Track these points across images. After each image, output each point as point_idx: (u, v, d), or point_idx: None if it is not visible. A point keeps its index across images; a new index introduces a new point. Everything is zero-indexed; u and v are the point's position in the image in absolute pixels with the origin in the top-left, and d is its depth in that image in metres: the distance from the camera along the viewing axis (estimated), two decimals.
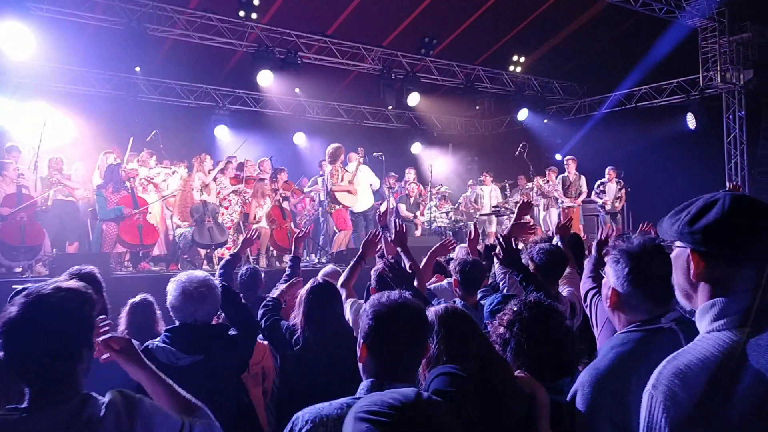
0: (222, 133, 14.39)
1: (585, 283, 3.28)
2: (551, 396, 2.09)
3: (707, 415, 1.25)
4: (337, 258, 9.70)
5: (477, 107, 16.71)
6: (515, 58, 15.90)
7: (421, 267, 4.30)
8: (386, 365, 1.88)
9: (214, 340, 3.13)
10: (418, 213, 12.70)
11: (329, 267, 5.86)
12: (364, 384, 1.88)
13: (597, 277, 3.18)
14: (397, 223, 4.77)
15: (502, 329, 2.25)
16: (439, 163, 16.01)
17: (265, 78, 12.34)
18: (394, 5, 13.34)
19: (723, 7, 13.25)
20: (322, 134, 15.01)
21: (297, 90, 13.94)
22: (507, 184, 13.85)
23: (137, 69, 11.86)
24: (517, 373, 2.18)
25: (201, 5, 12.01)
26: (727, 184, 9.87)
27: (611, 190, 12.72)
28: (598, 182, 12.87)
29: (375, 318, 1.90)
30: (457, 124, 18.71)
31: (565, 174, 12.97)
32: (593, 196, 12.89)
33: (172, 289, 3.12)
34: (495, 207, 13.17)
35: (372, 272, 4.03)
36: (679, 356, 1.36)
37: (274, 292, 4.12)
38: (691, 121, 13.72)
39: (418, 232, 12.43)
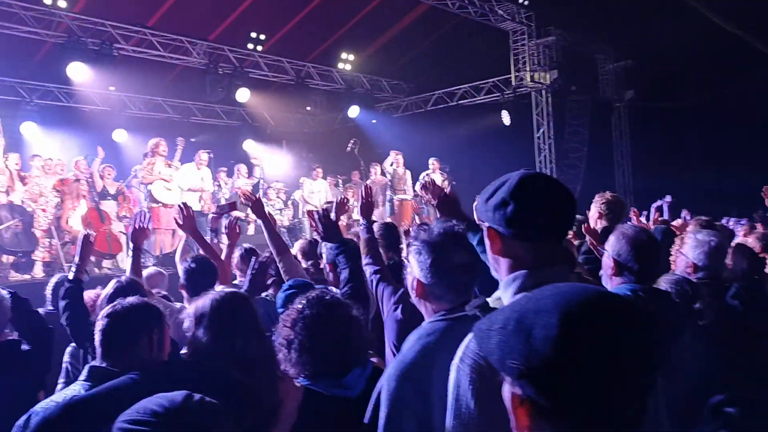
0: (30, 130, 13.08)
1: (366, 267, 3.29)
2: (339, 391, 2.13)
3: None
4: (164, 261, 9.21)
5: (308, 108, 16.73)
6: (345, 56, 16.13)
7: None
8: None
9: (4, 358, 2.83)
10: (249, 211, 12.44)
11: (152, 269, 5.53)
12: None
13: (378, 260, 3.26)
14: (228, 222, 4.64)
15: (286, 330, 2.25)
16: (272, 161, 15.82)
17: (78, 71, 11.39)
18: None
19: (530, 12, 14.41)
20: (145, 131, 14.17)
21: (112, 88, 13.08)
22: (340, 180, 14.01)
23: None
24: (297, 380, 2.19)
25: None
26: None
27: (436, 181, 13.30)
28: (424, 174, 13.38)
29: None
30: (290, 120, 18.59)
31: (394, 168, 13.35)
32: (418, 189, 13.38)
33: None
34: (329, 203, 13.27)
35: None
36: None
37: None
38: (505, 118, 14.77)
39: (251, 230, 12.19)
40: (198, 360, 2.27)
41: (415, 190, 13.23)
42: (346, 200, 4.37)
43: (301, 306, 2.29)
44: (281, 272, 3.76)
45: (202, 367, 2.22)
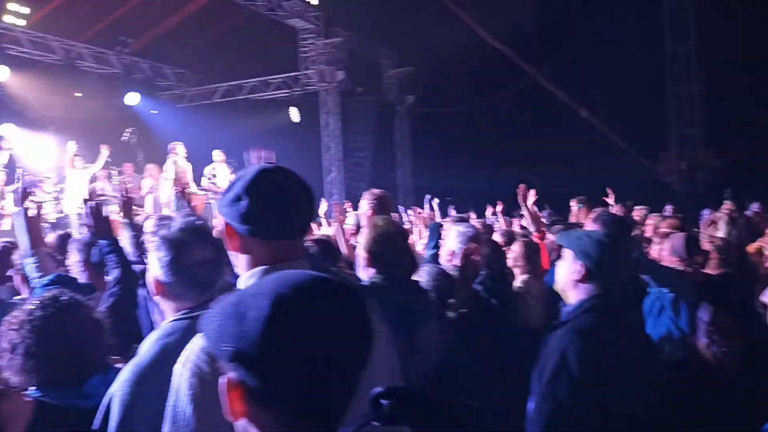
0: None
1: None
2: (76, 402, 1.96)
3: None
4: None
5: (76, 94, 15.28)
6: (124, 38, 14.99)
7: None
8: None
9: None
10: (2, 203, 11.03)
11: None
12: None
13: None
14: None
15: (11, 333, 2.02)
16: (35, 148, 14.18)
17: None
18: None
19: (319, 11, 14.63)
20: None
21: None
22: (110, 172, 12.92)
23: None
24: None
25: None
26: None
27: (223, 174, 12.83)
28: (210, 167, 12.86)
29: None
30: (58, 105, 16.82)
31: (175, 159, 12.63)
32: (207, 184, 12.87)
33: None
34: (100, 196, 12.21)
35: None
36: None
37: None
38: (294, 115, 14.84)
39: (6, 225, 10.81)
40: None
41: (200, 185, 12.69)
42: (130, 198, 3.98)
43: (31, 307, 2.05)
44: (32, 269, 3.43)
45: None
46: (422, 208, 9.99)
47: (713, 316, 3.17)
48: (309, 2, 14.32)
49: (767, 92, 15.00)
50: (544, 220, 7.07)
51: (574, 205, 7.25)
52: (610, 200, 5.90)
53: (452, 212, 9.14)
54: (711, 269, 3.65)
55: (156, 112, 15.60)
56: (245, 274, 1.49)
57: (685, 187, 15.48)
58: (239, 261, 1.52)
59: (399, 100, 18.24)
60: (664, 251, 3.77)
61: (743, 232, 4.89)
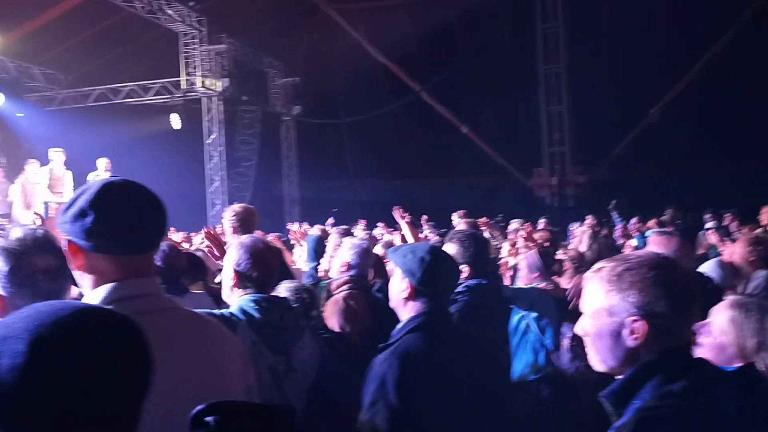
0: None
1: None
2: None
3: None
4: None
5: None
6: None
7: None
8: None
9: None
10: None
11: None
12: None
13: None
14: None
15: None
16: None
17: None
18: None
19: (202, 16, 14.28)
20: None
21: None
22: None
23: None
24: None
25: None
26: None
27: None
28: (92, 174, 12.15)
29: None
30: None
31: (51, 167, 11.85)
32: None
33: None
34: None
35: None
36: None
37: None
38: (175, 122, 14.35)
39: None
40: None
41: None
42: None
43: None
44: None
45: None
46: (309, 220, 10.02)
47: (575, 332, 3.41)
48: (192, 6, 13.92)
49: (630, 114, 16.34)
50: (431, 233, 7.32)
51: (455, 218, 7.52)
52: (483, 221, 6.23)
53: (330, 224, 9.22)
54: (565, 281, 3.89)
55: (22, 114, 14.52)
56: (91, 293, 1.43)
57: (555, 201, 16.48)
58: (84, 280, 1.43)
59: (285, 111, 18.13)
60: (521, 270, 4.01)
61: (603, 246, 5.28)
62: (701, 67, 15.43)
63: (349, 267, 3.34)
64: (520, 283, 4.09)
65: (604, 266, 1.37)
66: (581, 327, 1.41)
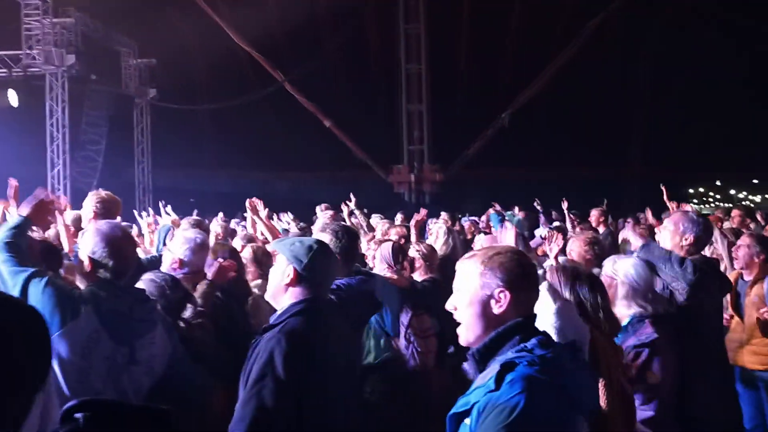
0: None
1: None
2: None
3: None
4: None
5: None
6: None
7: None
8: None
9: None
10: None
11: None
12: None
13: None
14: None
15: None
16: None
17: None
18: None
19: None
20: None
21: None
22: None
23: None
24: None
25: None
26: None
27: None
28: None
29: None
30: None
31: None
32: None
33: None
34: None
35: None
36: None
37: None
38: (12, 98, 13.11)
39: None
40: None
41: None
42: None
43: None
44: None
45: None
46: (157, 210, 9.58)
47: (411, 319, 3.58)
48: None
49: (486, 116, 17.24)
50: (292, 225, 7.24)
51: (318, 211, 7.51)
52: (351, 205, 6.29)
53: (166, 210, 8.89)
54: (418, 275, 4.03)
55: None
56: None
57: (413, 197, 17.02)
58: None
59: (139, 93, 17.15)
60: (375, 259, 4.11)
61: (458, 241, 5.53)
62: (549, 77, 16.57)
63: (182, 264, 3.06)
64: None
65: (477, 252, 1.66)
66: (452, 303, 1.65)
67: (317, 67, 17.53)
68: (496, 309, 1.55)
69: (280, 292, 2.16)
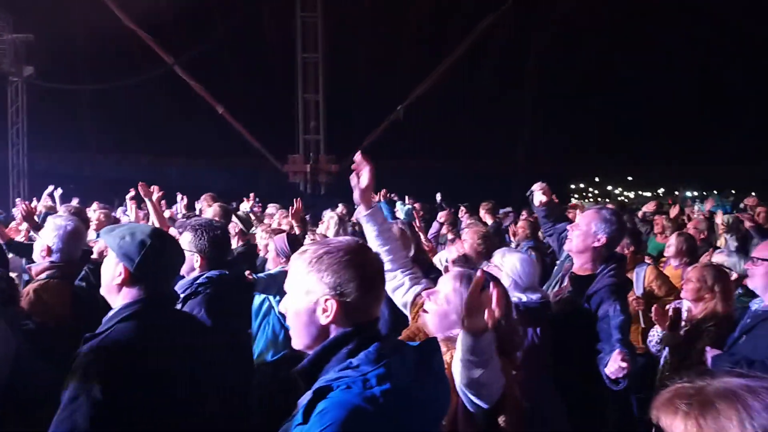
0: None
1: None
2: None
3: None
4: None
5: None
6: None
7: None
8: None
9: None
10: None
11: None
12: None
13: None
14: None
15: None
16: None
17: None
18: None
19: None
20: None
21: None
22: None
23: None
24: None
25: None
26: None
27: None
28: None
29: None
30: None
31: None
32: None
33: None
34: None
35: None
36: None
37: None
38: None
39: None
40: None
41: None
42: None
43: None
44: None
45: None
46: (38, 195, 9.03)
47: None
48: None
49: (382, 108, 17.37)
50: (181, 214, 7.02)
51: (203, 202, 7.32)
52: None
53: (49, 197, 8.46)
54: None
55: None
56: None
57: (308, 188, 16.93)
58: None
59: (15, 71, 15.90)
60: (270, 252, 4.09)
61: (349, 233, 5.60)
62: (443, 72, 16.95)
63: (50, 251, 2.99)
64: (271, 265, 4.16)
65: (308, 249, 1.43)
66: (284, 306, 1.46)
67: (209, 51, 17.00)
68: (323, 319, 1.36)
69: (113, 291, 1.91)
